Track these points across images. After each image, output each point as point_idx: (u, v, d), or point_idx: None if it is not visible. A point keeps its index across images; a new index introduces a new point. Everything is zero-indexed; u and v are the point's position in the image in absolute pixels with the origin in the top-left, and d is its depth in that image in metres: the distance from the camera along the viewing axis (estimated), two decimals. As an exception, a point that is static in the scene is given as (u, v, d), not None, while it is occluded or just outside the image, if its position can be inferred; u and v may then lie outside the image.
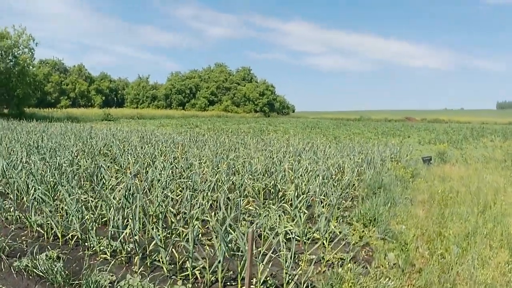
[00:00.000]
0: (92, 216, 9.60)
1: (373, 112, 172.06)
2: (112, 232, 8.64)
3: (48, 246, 8.97)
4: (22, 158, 16.92)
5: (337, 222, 10.72)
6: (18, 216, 10.63)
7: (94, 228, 9.00)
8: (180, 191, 13.05)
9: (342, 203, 12.31)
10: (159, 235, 8.68)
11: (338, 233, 9.46)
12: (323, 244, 8.98)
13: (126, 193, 10.69)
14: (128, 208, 9.96)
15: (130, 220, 8.98)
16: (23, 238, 9.55)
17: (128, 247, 8.61)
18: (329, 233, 9.41)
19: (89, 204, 10.75)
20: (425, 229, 9.99)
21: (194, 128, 49.64)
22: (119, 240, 8.40)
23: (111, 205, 10.07)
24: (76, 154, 19.16)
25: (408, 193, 14.22)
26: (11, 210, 10.93)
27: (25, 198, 11.91)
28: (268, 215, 9.95)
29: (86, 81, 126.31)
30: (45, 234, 9.54)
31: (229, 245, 7.82)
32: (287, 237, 9.20)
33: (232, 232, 8.26)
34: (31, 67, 68.18)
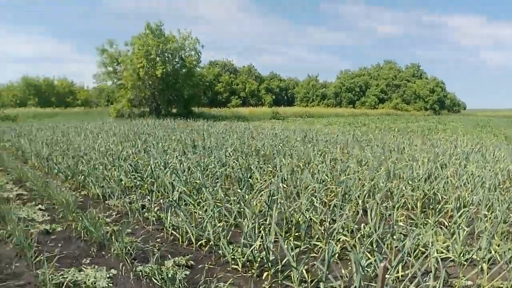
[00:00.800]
0: (225, 222, 9.19)
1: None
2: (247, 240, 7.90)
3: (180, 251, 8.46)
4: (175, 157, 16.89)
5: (501, 240, 9.22)
6: (157, 217, 10.26)
7: (229, 235, 8.48)
8: (331, 198, 11.99)
9: (509, 217, 10.72)
10: (297, 247, 7.91)
11: (500, 255, 8.04)
12: (482, 268, 7.58)
13: (269, 199, 9.95)
14: (269, 215, 9.21)
15: (263, 230, 8.24)
16: (158, 240, 9.12)
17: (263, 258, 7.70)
18: (491, 254, 8.00)
19: (232, 207, 9.98)
20: None
21: (362, 127, 48.17)
22: (250, 250, 7.63)
23: (252, 211, 9.33)
24: (230, 154, 18.65)
25: None
26: (154, 210, 10.51)
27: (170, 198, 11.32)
28: (421, 232, 8.64)
29: (255, 80, 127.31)
30: (180, 238, 9.03)
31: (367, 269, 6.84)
32: (441, 257, 7.87)
33: (370, 257, 7.24)
34: (197, 69, 69.69)
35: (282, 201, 9.78)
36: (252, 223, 8.43)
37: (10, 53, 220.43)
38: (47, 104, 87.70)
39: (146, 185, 13.47)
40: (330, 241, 7.81)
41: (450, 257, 7.89)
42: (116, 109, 64.93)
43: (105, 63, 65.73)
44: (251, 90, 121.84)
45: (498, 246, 8.57)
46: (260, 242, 7.76)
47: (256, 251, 7.74)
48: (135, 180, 13.94)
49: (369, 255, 7.38)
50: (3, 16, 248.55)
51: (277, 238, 7.81)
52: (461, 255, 7.94)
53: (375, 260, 7.02)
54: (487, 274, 7.20)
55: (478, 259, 7.78)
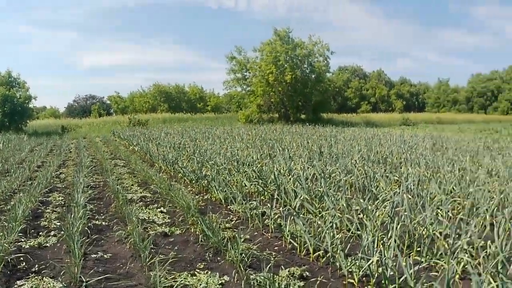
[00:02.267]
0: (344, 233, 9.10)
1: None
2: (365, 254, 7.50)
3: (296, 262, 8.31)
4: (299, 164, 16.88)
5: None
6: (278, 224, 10.05)
7: (347, 247, 8.24)
8: (459, 210, 11.41)
9: None
10: (417, 263, 7.53)
11: None
12: None
13: (391, 211, 9.53)
14: (391, 228, 8.64)
15: (381, 244, 8.00)
16: (276, 248, 9.05)
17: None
18: None
19: (353, 218, 9.58)
20: None
21: (494, 134, 46.46)
22: (367, 264, 7.23)
23: (373, 222, 9.11)
24: (356, 162, 18.26)
25: None
26: (275, 217, 10.36)
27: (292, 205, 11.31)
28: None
29: (385, 86, 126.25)
30: (298, 247, 8.86)
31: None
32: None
33: (492, 281, 6.41)
34: (326, 74, 69.83)
35: (406, 213, 9.35)
36: (373, 236, 8.21)
37: (142, 61, 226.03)
38: (177, 110, 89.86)
39: (268, 191, 13.46)
40: (451, 260, 7.30)
41: None
42: (245, 115, 65.92)
43: (234, 70, 67.22)
44: (381, 96, 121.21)
45: None
46: (377, 256, 7.34)
47: (374, 266, 7.36)
48: (258, 186, 13.95)
49: (491, 278, 6.51)
50: (135, 24, 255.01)
51: (397, 252, 7.42)
52: None
53: (497, 286, 6.28)
54: None
55: None
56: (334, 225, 8.99)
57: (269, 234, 9.84)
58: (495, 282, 6.39)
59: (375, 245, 7.98)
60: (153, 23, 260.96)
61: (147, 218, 11.12)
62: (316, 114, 68.75)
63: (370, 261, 7.24)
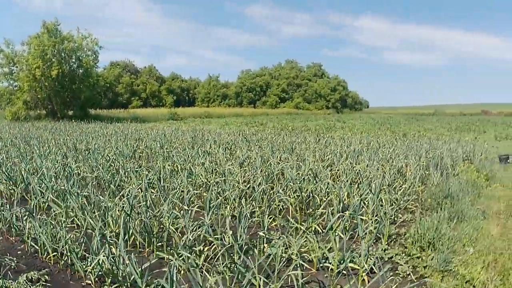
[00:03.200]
0: (75, 233, 8.57)
1: (448, 106, 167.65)
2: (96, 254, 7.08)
3: (38, 265, 7.70)
4: (50, 162, 15.81)
5: (387, 244, 8.66)
6: (17, 227, 9.21)
7: (80, 247, 7.55)
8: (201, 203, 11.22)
9: (399, 218, 10.27)
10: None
11: (381, 260, 7.49)
12: (362, 276, 6.92)
13: (127, 207, 8.94)
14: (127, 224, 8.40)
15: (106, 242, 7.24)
16: (19, 253, 8.34)
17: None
18: (374, 259, 7.33)
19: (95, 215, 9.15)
20: (499, 252, 7.84)
21: (259, 126, 48.01)
22: (93, 263, 6.83)
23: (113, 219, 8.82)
24: (108, 157, 17.56)
25: (480, 202, 11.85)
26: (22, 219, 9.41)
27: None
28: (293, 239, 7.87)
29: (157, 81, 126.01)
30: (39, 250, 8.17)
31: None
32: (318, 266, 7.37)
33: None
34: (94, 69, 68.28)
35: (144, 208, 8.98)
36: (103, 234, 7.69)
37: None
38: None
39: (18, 192, 12.34)
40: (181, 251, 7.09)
41: (329, 266, 7.26)
42: (11, 112, 62.31)
43: (1, 63, 63.29)
44: (151, 91, 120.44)
45: (384, 251, 8.00)
46: (104, 255, 6.86)
47: (106, 265, 6.85)
48: (9, 187, 13.07)
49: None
50: None
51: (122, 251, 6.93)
52: (341, 263, 7.21)
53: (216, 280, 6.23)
54: (368, 283, 6.59)
55: (358, 267, 7.09)
56: (76, 224, 8.67)
57: (13, 238, 9.00)
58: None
59: (110, 243, 7.33)
60: None
61: None
62: (85, 110, 67.11)
63: (97, 260, 6.77)
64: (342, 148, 20.75)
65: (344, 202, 10.56)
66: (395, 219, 10.16)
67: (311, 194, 11.16)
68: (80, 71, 64.53)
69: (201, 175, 13.34)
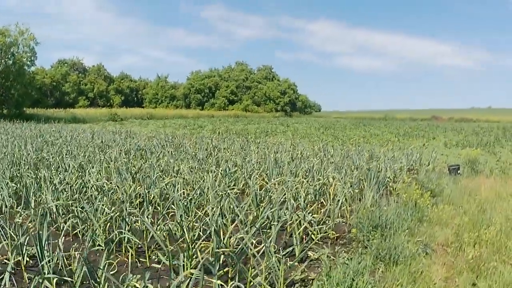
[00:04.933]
0: None
1: (398, 111, 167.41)
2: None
3: None
4: None
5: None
6: None
7: None
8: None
9: (309, 256, 7.58)
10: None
11: None
12: None
13: None
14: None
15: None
16: None
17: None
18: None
19: None
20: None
21: (197, 129, 45.97)
22: None
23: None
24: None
25: (423, 230, 9.06)
26: None
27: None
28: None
29: (105, 81, 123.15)
30: None
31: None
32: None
33: None
34: (28, 67, 65.46)
35: None
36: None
37: None
38: None
39: None
40: None
41: None
42: None
43: None
44: (99, 91, 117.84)
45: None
46: None
47: None
48: None
49: None
50: None
51: None
52: None
53: None
54: None
55: None
56: None
57: None
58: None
59: None
60: None
61: None
62: (19, 109, 63.83)
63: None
64: (264, 156, 17.95)
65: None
66: (302, 258, 7.57)
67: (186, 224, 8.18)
68: (14, 68, 61.25)
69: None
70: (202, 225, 8.12)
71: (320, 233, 8.76)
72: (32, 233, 7.25)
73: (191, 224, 8.28)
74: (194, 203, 9.82)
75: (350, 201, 11.10)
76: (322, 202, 11.30)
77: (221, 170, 13.46)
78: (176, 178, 11.98)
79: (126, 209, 8.52)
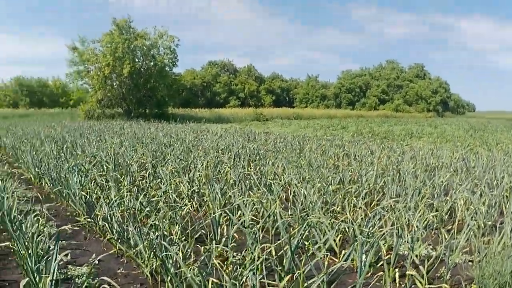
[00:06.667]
0: None
1: None
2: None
3: None
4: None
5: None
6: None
7: None
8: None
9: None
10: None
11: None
12: None
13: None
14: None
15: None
16: None
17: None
18: None
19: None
20: None
21: (339, 130, 44.33)
22: None
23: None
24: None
25: None
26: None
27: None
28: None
29: (256, 81, 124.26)
30: None
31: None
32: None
33: None
34: (171, 68, 66.50)
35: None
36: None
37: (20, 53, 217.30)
38: (40, 105, 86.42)
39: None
40: None
41: None
42: (83, 110, 61.27)
43: (75, 61, 62.33)
44: (250, 91, 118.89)
45: None
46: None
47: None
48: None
49: None
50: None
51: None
52: None
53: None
54: None
55: None
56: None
57: None
58: None
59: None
60: (31, 14, 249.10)
61: None
62: (161, 109, 65.20)
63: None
64: (387, 166, 15.38)
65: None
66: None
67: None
68: (155, 69, 62.69)
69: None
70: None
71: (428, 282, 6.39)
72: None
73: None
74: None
75: (479, 233, 8.31)
76: (438, 230, 8.88)
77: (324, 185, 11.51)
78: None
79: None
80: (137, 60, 60.80)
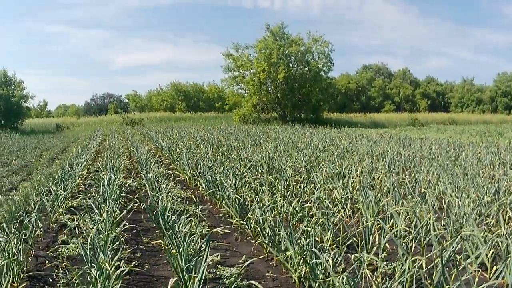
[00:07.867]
0: None
1: None
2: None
3: None
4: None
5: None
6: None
7: None
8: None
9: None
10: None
11: None
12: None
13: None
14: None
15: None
16: None
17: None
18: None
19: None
20: None
21: (495, 136, 41.98)
22: None
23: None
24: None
25: None
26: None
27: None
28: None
29: (411, 85, 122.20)
30: None
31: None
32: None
33: None
34: (326, 72, 66.22)
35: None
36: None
37: (175, 60, 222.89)
38: (196, 109, 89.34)
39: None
40: None
41: None
42: (239, 115, 63.41)
43: (230, 67, 64.46)
44: (405, 95, 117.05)
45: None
46: None
47: None
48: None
49: None
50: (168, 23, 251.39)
51: None
52: None
53: None
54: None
55: None
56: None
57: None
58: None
59: None
60: (186, 22, 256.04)
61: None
62: (316, 114, 65.91)
63: None
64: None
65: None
66: None
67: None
68: (310, 74, 63.27)
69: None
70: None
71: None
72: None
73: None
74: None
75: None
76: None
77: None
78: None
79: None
80: (291, 65, 61.70)
